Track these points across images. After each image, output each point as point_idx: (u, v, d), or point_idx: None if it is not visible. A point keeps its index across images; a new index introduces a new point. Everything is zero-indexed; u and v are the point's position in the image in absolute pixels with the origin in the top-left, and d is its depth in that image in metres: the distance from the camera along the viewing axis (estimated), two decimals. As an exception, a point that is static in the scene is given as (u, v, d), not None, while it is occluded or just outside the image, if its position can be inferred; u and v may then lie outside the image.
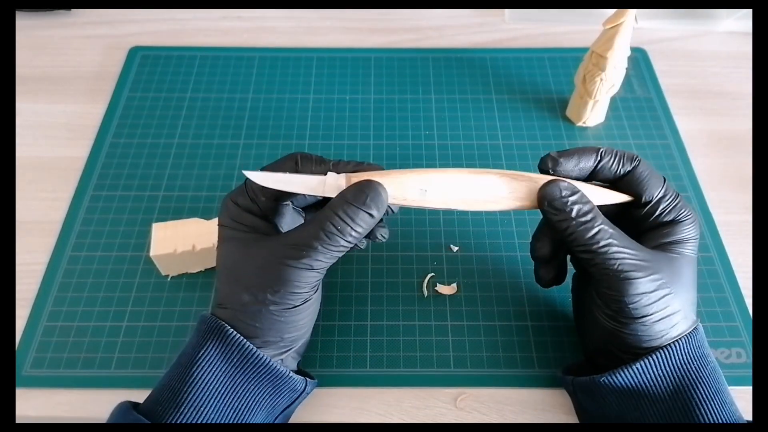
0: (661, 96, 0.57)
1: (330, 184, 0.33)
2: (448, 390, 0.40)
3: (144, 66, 0.59)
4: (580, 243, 0.33)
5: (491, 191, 0.34)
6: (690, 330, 0.34)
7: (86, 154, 0.52)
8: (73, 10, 0.64)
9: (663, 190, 0.35)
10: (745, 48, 0.62)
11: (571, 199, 0.33)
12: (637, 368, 0.33)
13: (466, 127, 0.55)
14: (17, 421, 0.38)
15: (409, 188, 0.33)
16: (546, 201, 0.33)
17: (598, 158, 0.35)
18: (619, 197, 0.35)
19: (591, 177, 0.36)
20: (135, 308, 0.43)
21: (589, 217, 0.33)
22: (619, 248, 0.32)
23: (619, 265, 0.32)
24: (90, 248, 0.46)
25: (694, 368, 0.33)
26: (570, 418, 0.39)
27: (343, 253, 0.33)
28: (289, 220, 0.37)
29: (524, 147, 0.53)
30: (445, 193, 0.34)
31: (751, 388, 0.40)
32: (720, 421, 0.32)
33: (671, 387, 0.33)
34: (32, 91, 0.57)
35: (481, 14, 0.65)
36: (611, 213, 0.36)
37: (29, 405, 0.39)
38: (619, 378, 0.33)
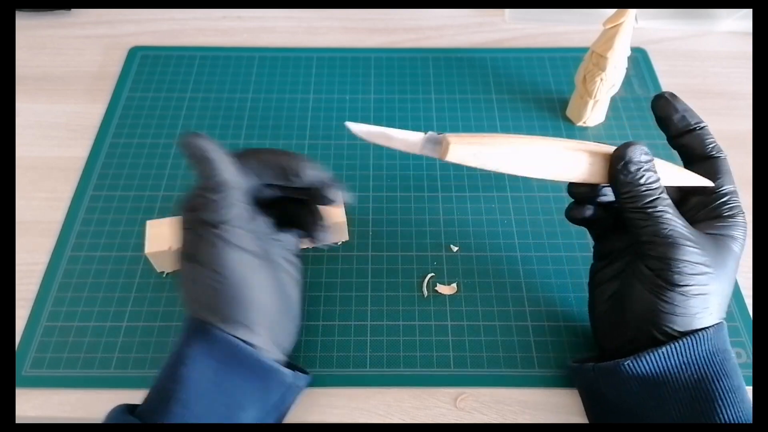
0: (661, 96, 0.57)
1: (427, 144, 0.33)
2: (448, 390, 0.40)
3: (144, 66, 0.59)
4: (637, 206, 0.34)
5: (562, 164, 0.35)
6: (717, 324, 0.34)
7: (86, 154, 0.52)
8: (73, 10, 0.64)
9: (734, 187, 0.36)
10: (745, 48, 0.62)
11: (645, 165, 0.34)
12: (663, 353, 0.33)
13: (466, 127, 0.55)
14: (17, 421, 0.38)
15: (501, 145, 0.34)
16: (622, 162, 0.34)
17: (701, 124, 0.37)
18: (699, 180, 0.36)
19: (682, 137, 0.38)
20: (135, 308, 0.43)
21: (655, 185, 0.34)
22: (673, 216, 0.34)
23: (670, 230, 0.33)
24: (90, 248, 0.46)
25: (718, 361, 0.33)
26: (570, 418, 0.39)
27: (221, 191, 0.33)
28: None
29: (524, 147, 0.53)
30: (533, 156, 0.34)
31: (751, 388, 0.40)
32: (736, 416, 0.32)
33: (694, 377, 0.33)
34: (32, 91, 0.57)
35: (481, 14, 0.65)
36: (676, 194, 0.38)
37: (29, 405, 0.39)
38: (644, 362, 0.34)
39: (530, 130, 0.54)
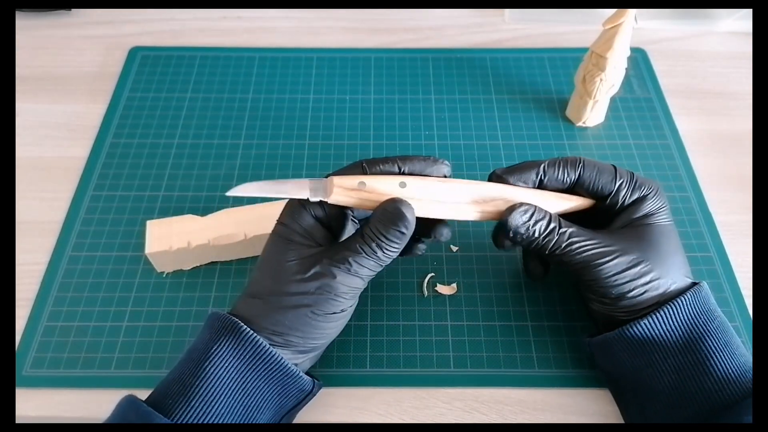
0: (661, 96, 0.57)
1: (314, 189, 0.34)
2: (448, 390, 0.40)
3: (144, 66, 0.59)
4: (545, 251, 0.36)
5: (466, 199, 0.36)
6: (691, 288, 0.35)
7: (86, 154, 0.52)
8: (73, 10, 0.64)
9: (617, 181, 0.37)
10: (745, 48, 0.62)
11: (532, 221, 0.35)
12: (645, 324, 0.34)
13: (466, 127, 0.55)
14: (17, 421, 0.38)
15: (388, 183, 0.35)
16: (512, 231, 0.35)
17: (541, 173, 0.37)
18: (580, 202, 0.38)
19: (540, 188, 0.38)
20: (135, 308, 0.43)
21: (549, 228, 0.35)
22: (580, 243, 0.35)
23: (581, 257, 0.35)
24: (90, 248, 0.46)
25: (701, 322, 0.34)
26: (570, 418, 0.39)
27: (386, 263, 0.35)
28: (349, 231, 0.38)
29: (524, 147, 0.53)
30: (422, 190, 0.35)
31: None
32: (731, 370, 0.33)
33: (681, 341, 0.34)
34: (32, 91, 0.57)
35: (481, 14, 0.65)
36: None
37: (29, 405, 0.39)
38: (630, 333, 0.35)
39: (530, 131, 0.54)
